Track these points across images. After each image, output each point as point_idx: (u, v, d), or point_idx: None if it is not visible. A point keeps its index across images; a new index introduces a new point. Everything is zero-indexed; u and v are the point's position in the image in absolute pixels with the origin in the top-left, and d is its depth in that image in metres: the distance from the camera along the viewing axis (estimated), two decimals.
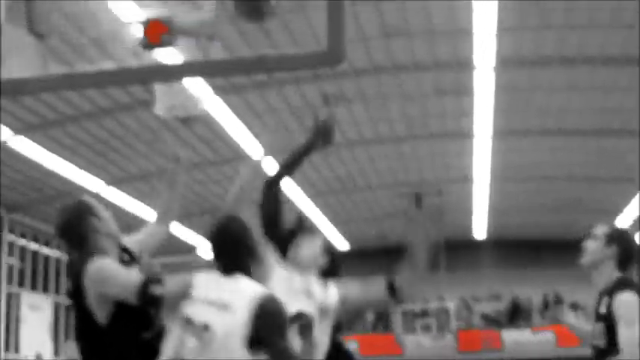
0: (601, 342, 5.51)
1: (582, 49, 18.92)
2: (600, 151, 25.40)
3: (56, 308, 29.21)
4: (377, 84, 20.88)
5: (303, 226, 5.79)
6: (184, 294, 4.36)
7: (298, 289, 5.05)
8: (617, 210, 30.83)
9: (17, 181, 24.20)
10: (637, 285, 5.46)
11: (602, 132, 23.78)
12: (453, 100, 22.01)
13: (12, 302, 26.53)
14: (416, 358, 33.11)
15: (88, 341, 4.54)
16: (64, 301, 29.40)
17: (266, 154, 5.60)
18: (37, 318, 27.47)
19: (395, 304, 5.02)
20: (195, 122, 20.98)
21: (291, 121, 22.68)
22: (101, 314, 4.37)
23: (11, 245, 26.90)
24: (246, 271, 4.55)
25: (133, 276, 4.29)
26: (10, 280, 26.52)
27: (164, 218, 5.37)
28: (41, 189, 25.14)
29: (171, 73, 4.74)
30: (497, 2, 16.55)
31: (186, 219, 29.63)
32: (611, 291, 5.46)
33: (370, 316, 35.65)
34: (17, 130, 20.51)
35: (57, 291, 29.59)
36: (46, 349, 26.62)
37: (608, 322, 5.41)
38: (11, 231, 26.84)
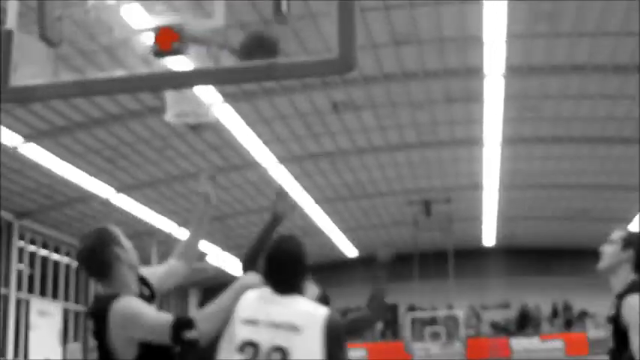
0: (611, 344, 5.52)
1: (592, 57, 18.89)
2: (610, 158, 25.36)
3: (65, 314, 29.24)
4: (387, 91, 20.87)
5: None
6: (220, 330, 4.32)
7: None
8: (627, 218, 30.73)
9: (27, 188, 24.25)
10: None
11: (612, 140, 23.73)
12: (462, 107, 21.99)
13: (21, 308, 26.56)
14: None
15: None
16: (73, 307, 29.47)
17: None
18: (46, 324, 27.49)
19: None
20: (205, 129, 21.09)
21: (300, 128, 22.71)
22: (126, 355, 4.30)
23: (21, 251, 26.95)
24: (301, 291, 4.53)
25: (162, 318, 4.20)
26: (19, 286, 26.56)
27: (187, 256, 5.27)
28: (51, 195, 25.19)
29: (182, 81, 4.75)
30: (507, 10, 16.54)
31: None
32: (623, 294, 5.48)
33: (379, 325, 35.61)
34: (27, 137, 20.56)
35: (66, 297, 29.64)
36: (55, 354, 26.61)
37: (616, 325, 5.42)
38: (21, 237, 26.89)
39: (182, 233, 29.43)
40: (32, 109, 19.10)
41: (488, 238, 36.44)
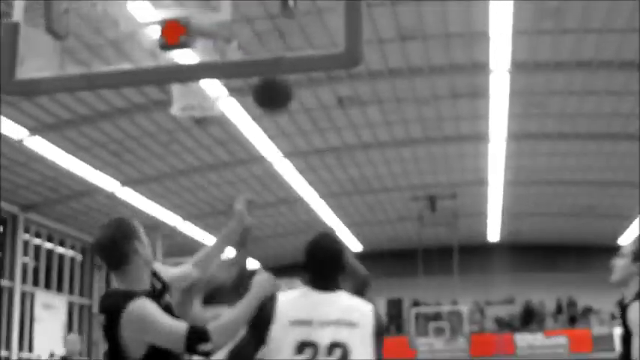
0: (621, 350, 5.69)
1: (598, 53, 18.86)
2: (616, 155, 25.33)
3: (70, 307, 29.30)
4: (392, 87, 20.86)
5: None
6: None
7: None
8: (632, 215, 30.73)
9: (32, 181, 24.28)
10: None
11: (617, 136, 23.71)
12: (468, 103, 21.97)
13: (26, 301, 26.61)
14: None
15: None
16: (78, 300, 29.52)
17: None
18: (51, 317, 27.55)
19: None
20: (210, 123, 21.10)
21: (305, 123, 22.71)
22: (134, 354, 4.31)
23: (26, 244, 26.99)
24: (340, 287, 4.60)
25: (177, 328, 4.19)
26: (24, 279, 26.60)
27: (203, 266, 5.26)
28: (56, 189, 25.22)
29: (188, 74, 4.75)
30: (513, 6, 16.52)
31: (200, 220, 29.72)
32: (629, 303, 5.61)
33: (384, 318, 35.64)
34: (33, 130, 20.59)
35: (71, 290, 29.69)
36: (60, 347, 26.61)
37: (623, 331, 5.55)
38: (26, 230, 26.93)
39: (187, 227, 29.55)
40: (38, 102, 19.12)
41: (494, 234, 36.42)
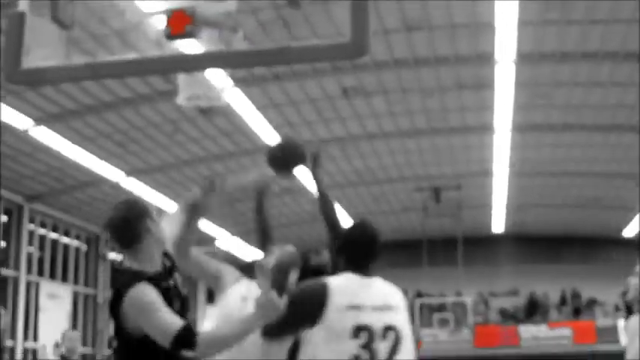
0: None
1: (603, 44, 18.83)
2: (621, 146, 25.30)
3: (75, 297, 29.35)
4: (397, 77, 20.85)
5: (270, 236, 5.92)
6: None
7: (251, 303, 5.12)
8: (637, 207, 30.70)
9: (37, 171, 24.31)
10: None
11: (622, 128, 23.68)
12: (473, 94, 21.95)
13: (31, 291, 26.67)
14: (432, 353, 33.14)
15: (122, 349, 4.51)
16: (83, 290, 29.58)
17: None
18: (56, 307, 27.60)
19: None
20: (216, 114, 21.10)
21: (310, 114, 22.71)
22: (136, 330, 4.34)
23: (31, 234, 27.02)
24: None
25: (169, 325, 4.21)
26: (29, 269, 26.64)
27: (179, 246, 5.29)
28: (61, 179, 25.25)
29: (193, 64, 4.75)
30: None
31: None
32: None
33: None
34: (38, 120, 20.60)
35: (76, 280, 29.73)
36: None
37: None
38: (31, 220, 26.96)
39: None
40: (43, 92, 19.14)
41: (498, 225, 36.40)
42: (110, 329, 4.74)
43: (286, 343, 5.19)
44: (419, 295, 35.99)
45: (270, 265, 5.23)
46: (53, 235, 28.74)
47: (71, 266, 29.62)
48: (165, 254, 4.72)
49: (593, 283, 36.67)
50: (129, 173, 25.15)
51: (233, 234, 33.26)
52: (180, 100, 5.14)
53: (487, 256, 37.87)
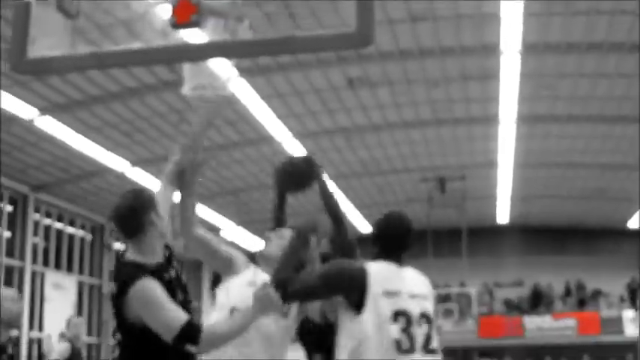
0: None
1: (609, 35, 18.79)
2: (626, 138, 25.26)
3: (80, 287, 29.40)
4: (402, 68, 20.83)
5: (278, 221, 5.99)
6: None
7: (259, 285, 5.22)
8: None
9: (43, 161, 24.34)
10: None
11: (627, 119, 23.63)
12: (478, 85, 21.93)
13: (36, 281, 26.71)
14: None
15: (125, 341, 4.53)
16: (88, 280, 29.63)
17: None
18: (61, 297, 27.65)
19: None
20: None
21: (315, 104, 22.70)
22: (140, 322, 4.36)
23: (36, 224, 27.07)
24: None
25: (173, 321, 4.24)
26: (34, 259, 26.69)
27: (184, 222, 5.34)
28: (66, 169, 25.27)
29: (198, 54, 4.75)
30: None
31: (210, 200, 29.73)
32: None
33: None
34: (43, 110, 20.62)
35: (81, 270, 29.78)
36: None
37: None
38: (36, 210, 27.00)
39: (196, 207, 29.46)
40: (48, 82, 19.15)
41: (503, 216, 36.39)
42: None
43: (288, 336, 5.30)
44: None
45: (272, 253, 5.27)
46: (58, 225, 28.78)
47: (76, 256, 29.67)
48: (166, 246, 4.74)
49: (598, 275, 36.67)
50: (134, 163, 25.16)
51: (237, 224, 33.30)
52: (185, 90, 5.14)
53: (492, 247, 37.87)
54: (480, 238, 35.05)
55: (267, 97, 21.49)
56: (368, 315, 4.60)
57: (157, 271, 4.45)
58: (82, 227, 30.21)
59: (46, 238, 28.04)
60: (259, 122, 23.12)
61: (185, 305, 4.46)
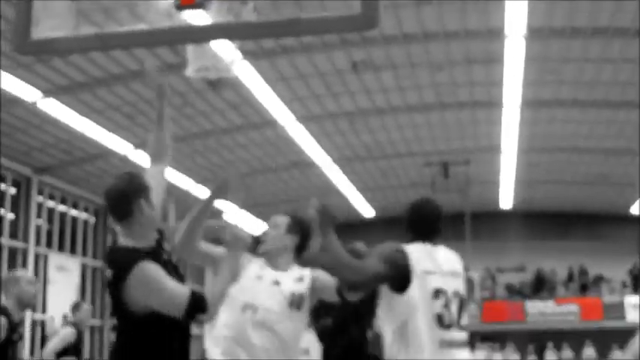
0: None
1: (614, 20, 18.73)
2: (630, 123, 25.18)
3: (83, 269, 29.44)
4: (407, 52, 20.78)
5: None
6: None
7: (267, 282, 5.39)
8: None
9: (46, 143, 24.33)
10: None
11: (632, 104, 23.57)
12: (482, 69, 21.89)
13: (40, 263, 26.75)
14: None
15: (124, 327, 4.52)
16: (91, 262, 29.67)
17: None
18: (65, 279, 27.69)
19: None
20: (224, 86, 21.06)
21: (319, 88, 22.66)
22: (139, 308, 4.35)
23: (39, 207, 27.08)
24: None
25: (179, 295, 4.25)
26: (38, 241, 26.72)
27: (158, 156, 5.35)
28: (70, 151, 25.26)
29: (202, 35, 4.74)
30: None
31: (213, 184, 29.68)
32: None
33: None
34: (46, 92, 20.60)
35: (84, 253, 29.82)
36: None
37: None
38: (40, 193, 27.01)
39: (199, 191, 29.60)
40: (51, 64, 19.13)
41: (506, 201, 36.35)
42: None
43: (303, 326, 5.41)
44: None
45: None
46: (62, 208, 28.80)
47: (79, 238, 29.71)
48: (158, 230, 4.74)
49: (600, 260, 36.66)
50: (137, 146, 25.13)
51: (241, 208, 33.29)
52: (189, 71, 5.13)
53: (495, 231, 37.81)
54: (483, 222, 34.99)
55: (271, 80, 21.45)
56: (414, 292, 4.86)
57: (152, 253, 4.45)
58: (86, 210, 30.24)
59: (50, 220, 28.07)
60: (263, 106, 23.09)
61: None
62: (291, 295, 5.39)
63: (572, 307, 34.84)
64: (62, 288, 27.17)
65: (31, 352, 24.46)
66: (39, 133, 23.27)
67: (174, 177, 28.35)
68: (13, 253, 25.50)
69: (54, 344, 10.16)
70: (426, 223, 5.32)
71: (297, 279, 5.48)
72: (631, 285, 35.74)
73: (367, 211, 37.03)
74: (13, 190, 25.94)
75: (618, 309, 33.50)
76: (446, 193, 29.78)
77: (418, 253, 5.01)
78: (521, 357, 33.55)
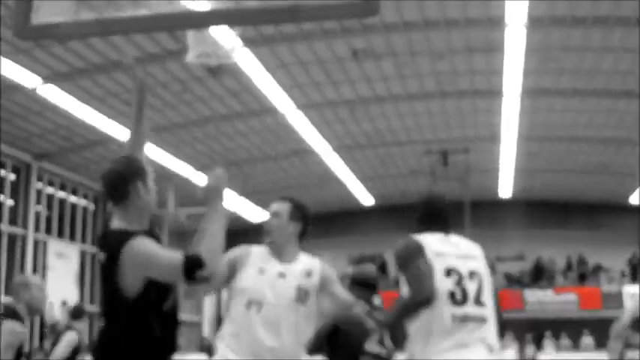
0: None
1: (615, 9, 18.70)
2: (630, 113, 25.17)
3: (82, 256, 29.46)
4: (407, 40, 20.75)
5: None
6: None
7: (271, 275, 5.33)
8: None
9: (46, 130, 24.32)
10: None
11: (632, 94, 23.56)
12: (483, 57, 21.86)
13: (39, 249, 26.78)
14: None
15: (113, 313, 4.51)
16: (90, 249, 29.69)
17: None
18: (64, 265, 27.72)
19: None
20: (224, 73, 21.03)
21: (319, 75, 22.64)
22: (131, 290, 4.35)
23: (39, 193, 27.10)
24: None
25: (174, 259, 4.24)
26: (37, 228, 26.75)
27: (137, 149, 5.32)
28: (69, 137, 25.27)
29: (203, 21, 4.73)
30: None
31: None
32: None
33: (394, 272, 35.73)
34: (46, 79, 20.58)
35: (83, 239, 29.85)
36: (72, 296, 26.83)
37: None
38: (39, 179, 27.02)
39: (199, 178, 29.63)
40: (51, 50, 19.11)
41: (506, 189, 36.35)
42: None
43: (312, 320, 5.45)
44: None
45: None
46: (61, 194, 28.81)
47: (79, 225, 29.73)
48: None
49: (599, 250, 36.69)
50: None
51: (240, 195, 33.31)
52: (190, 57, 5.12)
53: (494, 220, 37.78)
54: (483, 211, 34.96)
55: (271, 67, 21.43)
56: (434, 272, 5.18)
57: (145, 232, 4.46)
58: (85, 196, 30.25)
59: (49, 206, 28.09)
60: (263, 93, 23.07)
61: None
62: (297, 289, 5.33)
63: (571, 297, 34.91)
64: (61, 274, 27.21)
65: (29, 340, 24.47)
66: (39, 119, 23.26)
67: (174, 164, 28.35)
68: (12, 239, 25.53)
69: (60, 351, 10.22)
70: (432, 220, 5.62)
71: (305, 273, 5.42)
72: (629, 275, 35.79)
73: (367, 199, 37.04)
74: (12, 177, 25.95)
75: (617, 298, 33.53)
76: (445, 182, 29.79)
77: (429, 239, 5.34)
78: (519, 345, 33.58)
